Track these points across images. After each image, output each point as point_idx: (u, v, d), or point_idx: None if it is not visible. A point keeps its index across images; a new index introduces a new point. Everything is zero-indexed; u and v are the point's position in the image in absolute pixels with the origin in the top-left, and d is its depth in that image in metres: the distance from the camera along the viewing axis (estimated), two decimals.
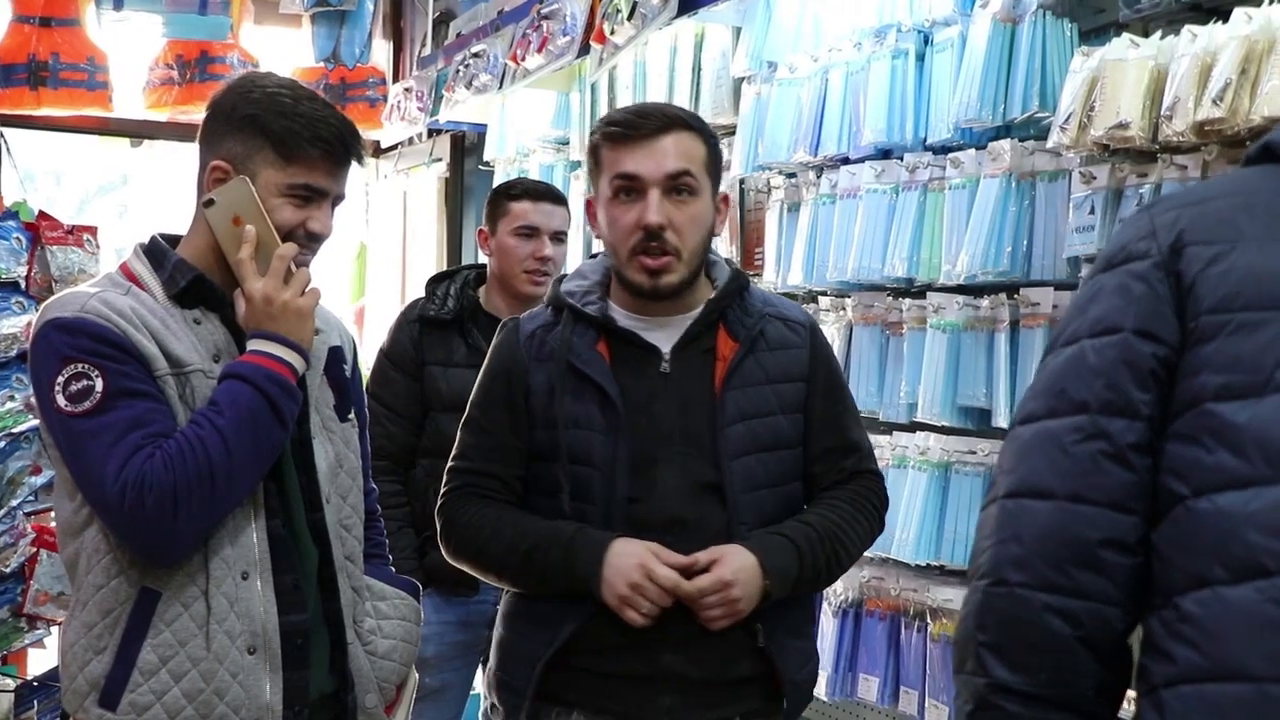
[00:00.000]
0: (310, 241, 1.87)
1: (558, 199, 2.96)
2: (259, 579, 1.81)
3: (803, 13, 2.95)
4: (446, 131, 4.80)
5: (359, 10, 5.06)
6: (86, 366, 1.73)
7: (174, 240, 1.92)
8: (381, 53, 5.54)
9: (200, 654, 1.77)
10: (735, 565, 1.87)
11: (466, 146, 4.90)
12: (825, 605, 2.75)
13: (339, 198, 1.90)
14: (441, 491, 2.06)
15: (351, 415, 1.98)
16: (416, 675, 2.07)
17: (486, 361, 2.07)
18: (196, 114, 5.04)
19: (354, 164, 1.91)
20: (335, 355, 1.97)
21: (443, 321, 2.93)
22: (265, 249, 1.81)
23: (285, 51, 5.43)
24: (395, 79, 5.45)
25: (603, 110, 3.74)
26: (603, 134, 1.97)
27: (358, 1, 5.02)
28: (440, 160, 4.96)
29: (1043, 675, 1.18)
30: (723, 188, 3.14)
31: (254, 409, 1.75)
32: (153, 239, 1.91)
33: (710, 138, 2.01)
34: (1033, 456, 1.21)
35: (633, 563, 1.87)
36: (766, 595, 1.89)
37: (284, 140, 1.80)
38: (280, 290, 1.79)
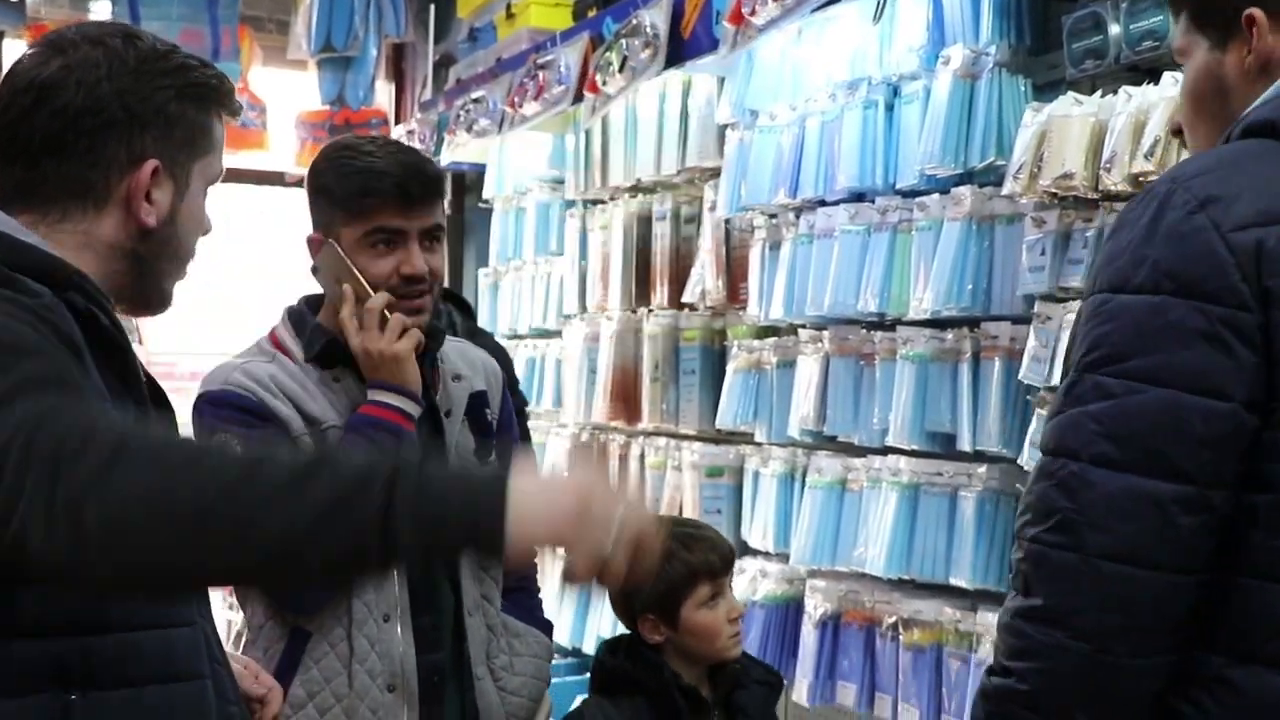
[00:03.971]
0: (409, 284, 1.94)
1: None
2: (399, 621, 1.92)
3: (782, 65, 3.16)
4: (448, 171, 5.00)
5: (363, 56, 5.28)
6: (229, 435, 1.87)
7: (319, 302, 2.04)
8: (384, 95, 5.75)
9: (343, 691, 1.89)
10: None
11: (466, 185, 5.11)
12: (806, 617, 2.94)
13: (429, 231, 1.95)
14: None
15: (492, 458, 2.07)
16: (551, 703, 2.16)
17: None
18: None
19: (432, 198, 1.96)
20: (478, 400, 2.07)
21: None
22: (361, 304, 1.91)
23: (292, 94, 5.65)
24: (397, 120, 5.66)
25: (596, 153, 3.95)
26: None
27: (362, 48, 5.23)
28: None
29: None
30: (707, 227, 3.41)
31: None
32: (299, 304, 2.05)
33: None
34: (1135, 520, 1.18)
35: None
36: None
37: (345, 198, 1.94)
38: (375, 340, 1.89)
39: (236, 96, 1.46)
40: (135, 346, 3.97)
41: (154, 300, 1.45)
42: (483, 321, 4.79)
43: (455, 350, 2.13)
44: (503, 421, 2.13)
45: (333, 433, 1.92)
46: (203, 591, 1.40)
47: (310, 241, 1.99)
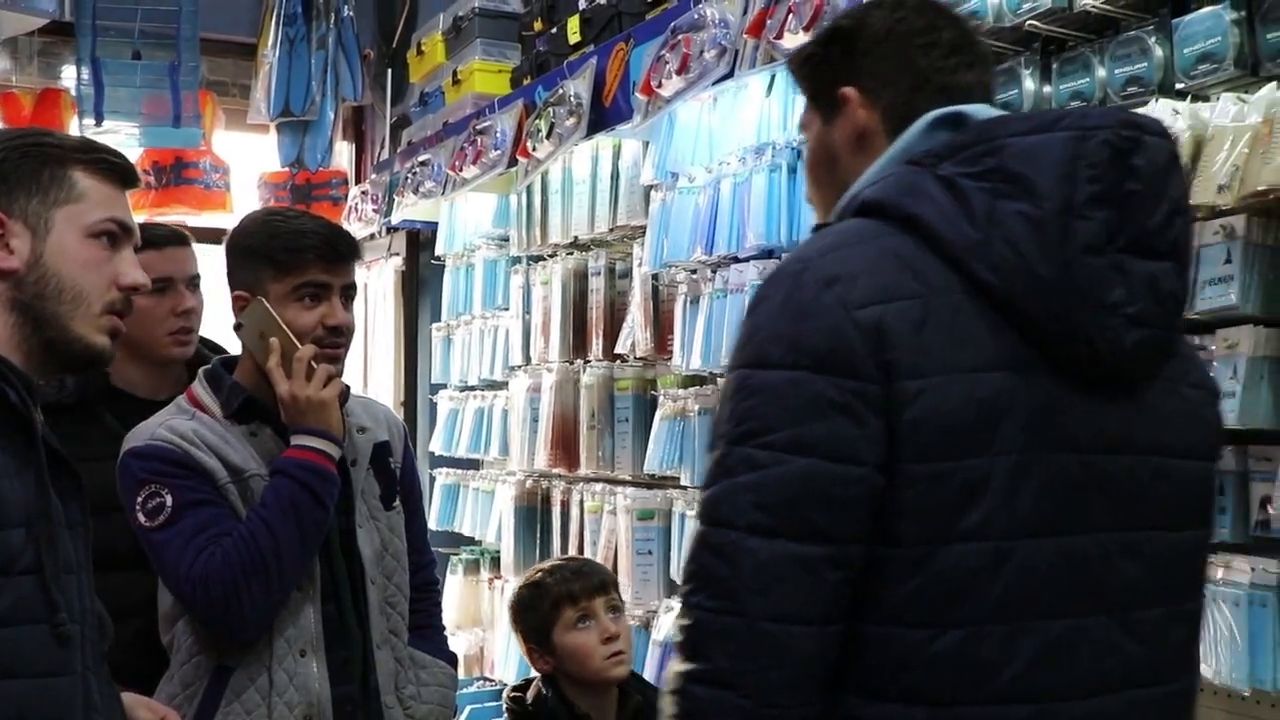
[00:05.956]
0: (333, 336, 2.11)
1: (183, 240, 2.47)
2: (314, 657, 2.06)
3: (699, 130, 3.35)
4: (403, 228, 5.20)
5: (321, 120, 5.48)
6: (158, 486, 2.02)
7: (233, 362, 2.20)
8: (344, 155, 5.96)
9: None
10: None
11: (421, 242, 5.30)
12: None
13: (347, 288, 2.15)
14: None
15: (397, 504, 2.24)
16: None
17: None
18: (173, 215, 5.49)
19: (352, 258, 2.16)
20: (382, 449, 2.24)
21: (65, 406, 2.26)
22: (289, 355, 2.06)
23: (253, 156, 5.86)
24: (357, 179, 5.87)
25: (537, 211, 4.14)
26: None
27: (319, 112, 5.44)
28: (397, 255, 5.36)
29: None
30: (637, 282, 3.60)
31: (293, 496, 2.01)
32: (214, 365, 2.20)
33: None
34: (789, 582, 1.24)
35: None
36: None
37: (276, 254, 2.10)
38: (303, 388, 2.05)
39: (106, 157, 1.62)
40: None
41: (77, 350, 1.58)
42: (436, 374, 4.98)
43: (360, 404, 2.31)
44: (405, 469, 2.30)
45: (255, 481, 2.08)
46: (93, 644, 1.55)
47: (235, 299, 2.15)
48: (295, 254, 2.10)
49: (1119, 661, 1.31)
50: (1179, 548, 1.37)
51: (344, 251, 2.14)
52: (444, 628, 2.41)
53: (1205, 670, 2.00)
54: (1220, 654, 1.99)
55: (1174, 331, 1.33)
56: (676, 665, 1.30)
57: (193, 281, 2.45)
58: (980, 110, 1.40)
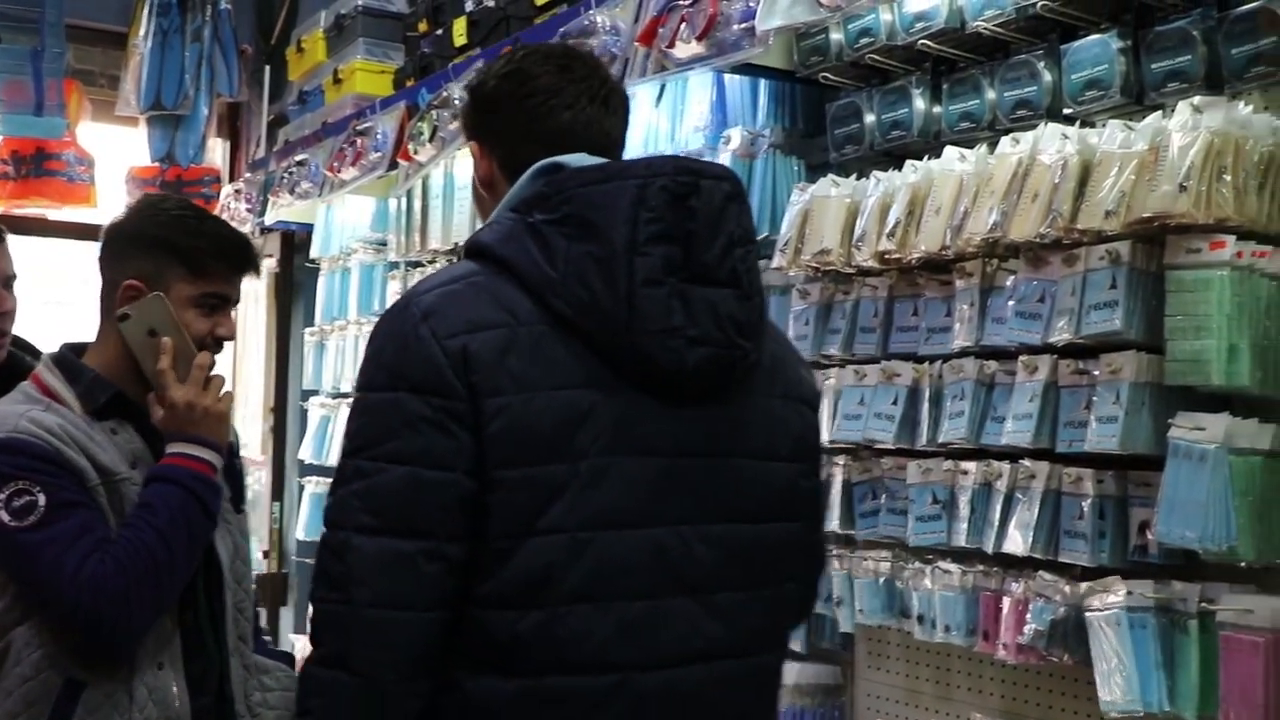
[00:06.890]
0: (218, 345, 2.03)
1: None
2: (172, 668, 1.95)
3: None
4: (277, 230, 5.05)
5: (194, 115, 5.30)
6: (27, 483, 1.86)
7: (81, 348, 2.04)
8: (217, 152, 5.78)
9: None
10: None
11: (296, 244, 5.16)
12: None
13: (236, 302, 2.09)
14: None
15: (245, 506, 2.17)
16: None
17: None
18: (31, 207, 5.25)
19: (250, 272, 2.07)
20: (230, 450, 2.11)
21: None
22: (183, 358, 1.96)
23: (121, 150, 5.64)
24: (231, 177, 5.69)
25: (417, 216, 4.05)
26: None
27: (192, 106, 5.26)
28: (271, 257, 5.20)
29: None
30: None
31: (185, 507, 1.90)
32: (62, 350, 2.03)
33: None
34: (391, 572, 1.43)
35: None
36: None
37: (193, 257, 1.97)
38: (201, 397, 1.95)
39: None
40: None
41: None
42: (307, 380, 4.84)
43: None
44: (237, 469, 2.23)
45: (125, 485, 1.95)
46: None
47: (126, 288, 1.99)
48: (217, 260, 2.01)
49: (700, 638, 1.49)
50: (761, 539, 1.55)
51: (252, 266, 2.09)
52: (263, 630, 2.35)
53: (1103, 694, 2.01)
54: (1104, 678, 1.99)
55: (740, 350, 1.49)
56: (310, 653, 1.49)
57: (9, 281, 2.31)
58: (575, 159, 1.54)
